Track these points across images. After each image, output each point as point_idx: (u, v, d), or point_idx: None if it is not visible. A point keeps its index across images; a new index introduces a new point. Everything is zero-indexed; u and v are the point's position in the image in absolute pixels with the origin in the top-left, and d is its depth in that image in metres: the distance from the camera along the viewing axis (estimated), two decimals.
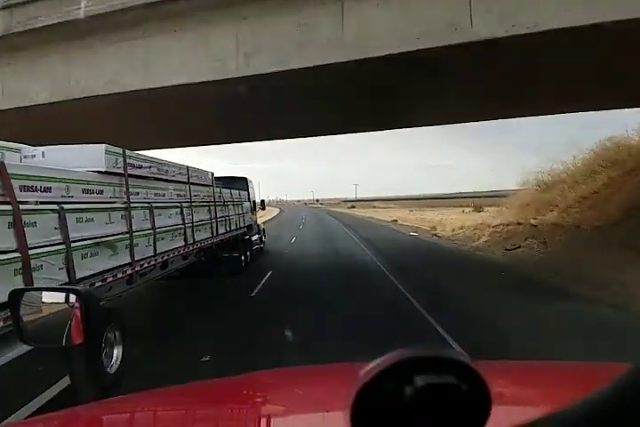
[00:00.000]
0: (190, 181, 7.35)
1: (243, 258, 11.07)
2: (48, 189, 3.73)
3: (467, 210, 33.76)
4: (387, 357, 0.43)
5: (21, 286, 3.02)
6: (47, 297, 1.50)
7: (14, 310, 1.36)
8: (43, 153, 4.51)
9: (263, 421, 1.21)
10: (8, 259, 3.06)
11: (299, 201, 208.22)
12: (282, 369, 1.83)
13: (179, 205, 6.74)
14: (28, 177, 3.50)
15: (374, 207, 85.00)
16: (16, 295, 1.39)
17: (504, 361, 2.00)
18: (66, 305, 1.38)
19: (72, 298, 1.36)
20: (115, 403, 1.39)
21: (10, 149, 4.60)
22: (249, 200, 13.06)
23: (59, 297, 1.43)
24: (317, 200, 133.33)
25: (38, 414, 1.22)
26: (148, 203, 5.63)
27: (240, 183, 12.74)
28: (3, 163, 3.26)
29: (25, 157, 4.50)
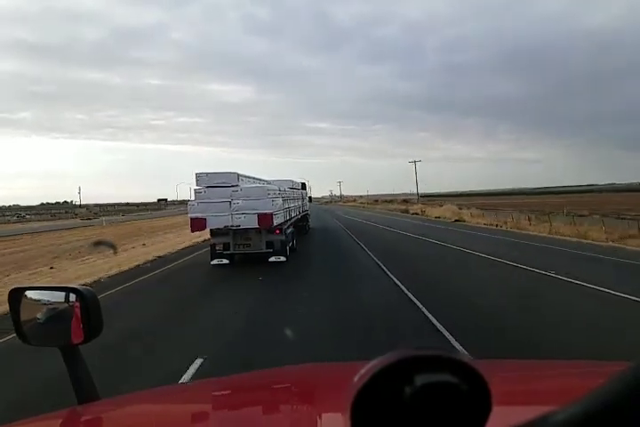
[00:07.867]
0: (295, 187, 18.20)
1: (307, 226, 22.04)
2: (283, 193, 14.27)
3: None
4: (386, 356, 0.42)
5: (284, 218, 13.10)
6: (47, 296, 1.42)
7: (14, 309, 1.36)
8: (270, 182, 14.90)
9: (263, 420, 1.22)
10: (285, 211, 13.77)
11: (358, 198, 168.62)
12: (281, 369, 1.84)
13: (297, 197, 17.63)
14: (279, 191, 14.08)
15: None
16: (16, 294, 1.39)
17: (504, 360, 2.10)
18: (66, 305, 1.36)
19: (72, 297, 1.33)
20: (115, 403, 1.40)
21: (260, 181, 14.79)
22: (307, 196, 24.52)
23: (59, 296, 1.37)
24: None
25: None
26: (290, 196, 16.45)
27: (301, 185, 23.34)
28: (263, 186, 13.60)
29: (268, 183, 14.70)
